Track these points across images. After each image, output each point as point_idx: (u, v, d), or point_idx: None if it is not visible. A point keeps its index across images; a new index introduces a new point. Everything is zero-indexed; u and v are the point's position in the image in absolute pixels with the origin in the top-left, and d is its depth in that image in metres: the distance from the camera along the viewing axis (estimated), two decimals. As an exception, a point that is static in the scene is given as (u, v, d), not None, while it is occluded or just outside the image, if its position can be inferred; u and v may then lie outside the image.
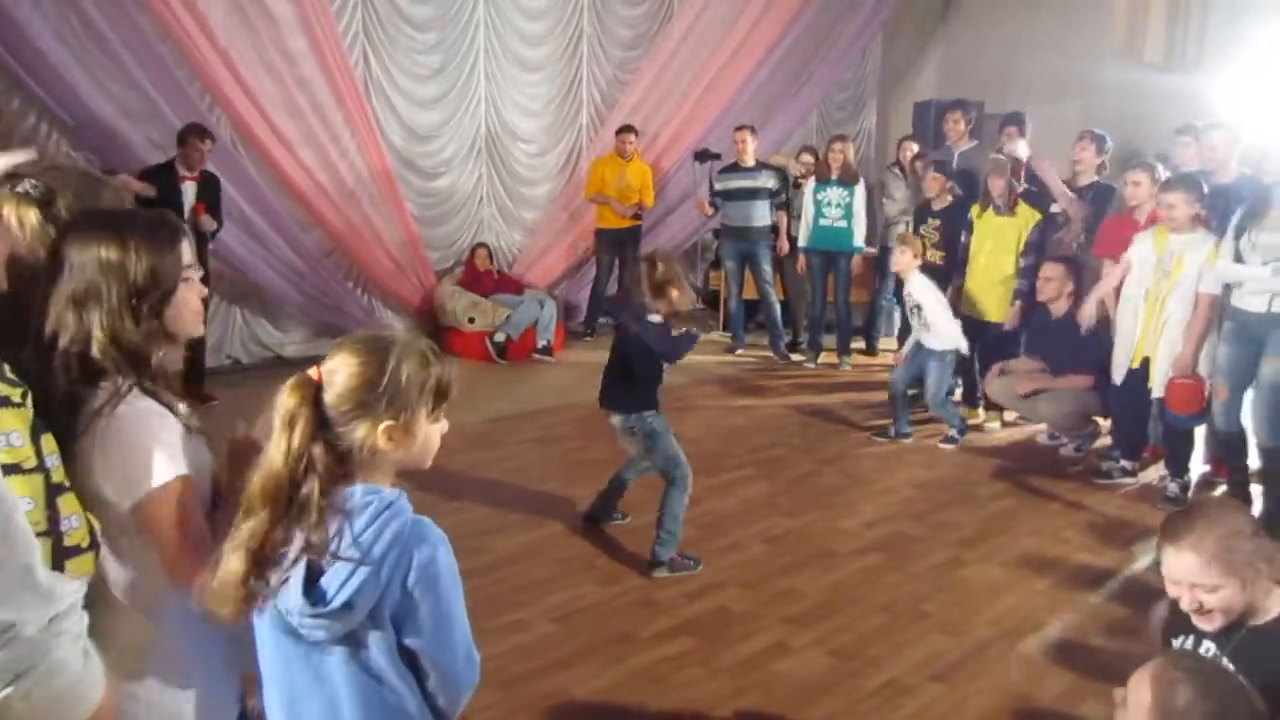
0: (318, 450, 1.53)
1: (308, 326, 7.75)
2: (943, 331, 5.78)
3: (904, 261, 5.83)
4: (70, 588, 1.30)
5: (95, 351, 1.66)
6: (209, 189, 6.28)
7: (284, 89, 7.15)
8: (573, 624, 3.74)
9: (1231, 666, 1.93)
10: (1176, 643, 2.12)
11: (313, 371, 1.57)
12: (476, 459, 5.44)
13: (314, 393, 1.55)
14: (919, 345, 5.95)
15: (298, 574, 1.52)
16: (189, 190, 6.16)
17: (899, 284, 6.48)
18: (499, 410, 6.44)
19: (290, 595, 1.53)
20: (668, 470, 4.24)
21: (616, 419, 4.28)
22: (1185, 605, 2.01)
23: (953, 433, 5.95)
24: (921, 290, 5.81)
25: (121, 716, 1.49)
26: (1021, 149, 6.72)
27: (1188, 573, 1.97)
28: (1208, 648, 2.03)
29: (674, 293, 4.10)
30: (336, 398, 1.55)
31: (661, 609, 3.87)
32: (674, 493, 4.20)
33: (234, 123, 6.99)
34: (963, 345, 5.84)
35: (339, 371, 1.56)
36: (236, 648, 1.86)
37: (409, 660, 1.59)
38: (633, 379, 4.22)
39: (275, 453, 1.53)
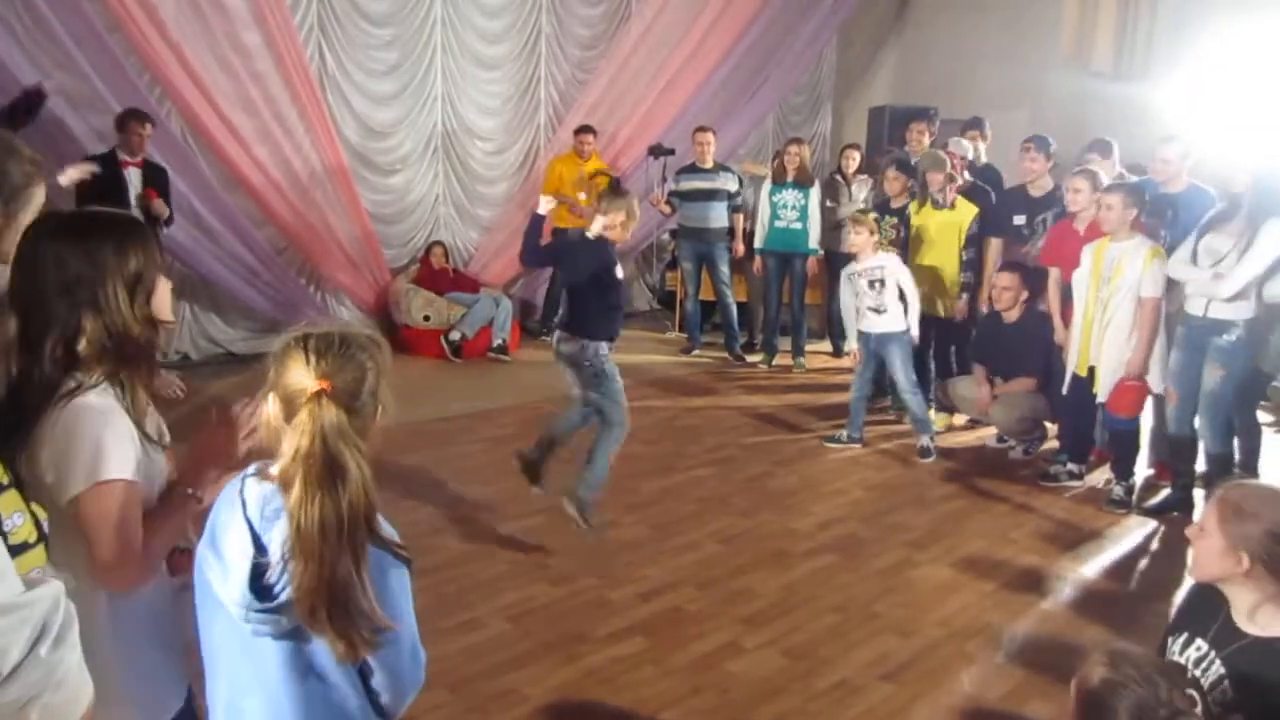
0: None
1: (258, 322, 7.63)
2: (892, 310, 5.67)
3: (862, 241, 5.68)
4: (45, 590, 1.26)
5: (82, 345, 1.67)
6: (157, 178, 6.17)
7: (238, 83, 7.05)
8: (525, 624, 3.72)
9: (1224, 669, 1.96)
10: (1170, 640, 2.14)
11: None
12: (429, 457, 5.40)
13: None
14: (869, 338, 5.81)
15: (241, 567, 1.50)
16: (133, 177, 6.04)
17: (837, 265, 6.45)
18: (453, 409, 6.40)
19: (232, 588, 1.51)
20: (606, 410, 4.20)
21: (566, 347, 4.18)
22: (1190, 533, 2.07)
23: (925, 442, 5.76)
24: (896, 264, 5.71)
25: None
26: (962, 146, 6.82)
27: (1209, 516, 2.00)
28: (1199, 646, 2.04)
29: (621, 215, 4.18)
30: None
31: (615, 609, 3.87)
32: (607, 434, 4.20)
33: (186, 117, 6.87)
34: (914, 326, 5.74)
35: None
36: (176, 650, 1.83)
37: None
38: (587, 296, 4.20)
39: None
